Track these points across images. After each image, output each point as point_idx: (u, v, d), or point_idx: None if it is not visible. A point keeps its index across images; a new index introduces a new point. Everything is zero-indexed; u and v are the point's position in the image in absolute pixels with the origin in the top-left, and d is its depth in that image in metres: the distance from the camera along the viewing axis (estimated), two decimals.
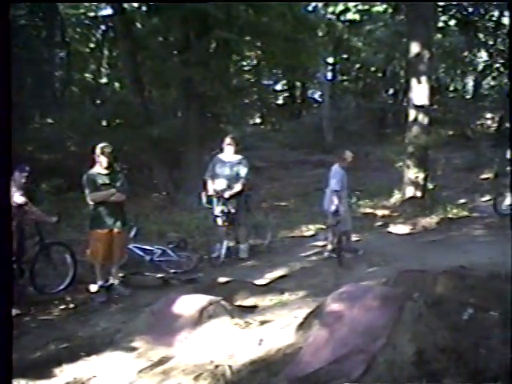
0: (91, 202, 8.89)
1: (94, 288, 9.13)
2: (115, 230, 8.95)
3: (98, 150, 8.87)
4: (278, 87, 38.58)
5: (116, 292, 9.10)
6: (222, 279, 8.97)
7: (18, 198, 8.45)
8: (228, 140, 11.22)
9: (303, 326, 5.65)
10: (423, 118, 15.28)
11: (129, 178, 9.86)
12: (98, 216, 8.90)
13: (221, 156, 11.30)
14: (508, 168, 13.84)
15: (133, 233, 10.34)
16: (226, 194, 10.85)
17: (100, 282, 9.03)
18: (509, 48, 17.07)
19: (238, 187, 10.93)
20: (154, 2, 17.53)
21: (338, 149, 13.85)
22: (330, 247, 11.10)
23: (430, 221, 14.12)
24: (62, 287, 9.27)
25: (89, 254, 9.14)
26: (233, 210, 10.92)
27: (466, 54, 30.57)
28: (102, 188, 8.85)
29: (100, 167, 8.90)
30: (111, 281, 9.17)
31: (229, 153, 11.15)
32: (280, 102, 39.22)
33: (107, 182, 8.89)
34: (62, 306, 8.65)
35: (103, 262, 9.01)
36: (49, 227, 10.00)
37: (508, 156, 13.93)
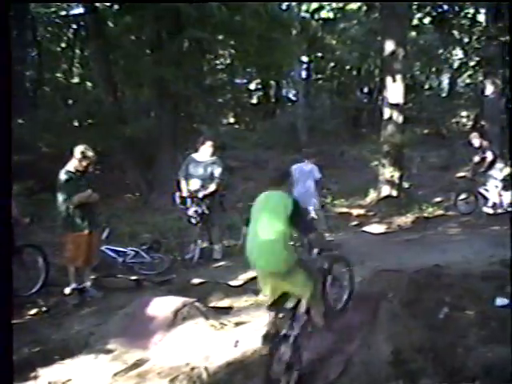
0: (71, 206, 8.72)
1: (67, 291, 9.01)
2: (93, 232, 8.83)
3: (78, 153, 8.73)
4: (252, 86, 38.49)
5: (89, 294, 8.97)
6: (196, 280, 8.89)
7: None
8: (208, 142, 11.11)
9: None
10: (398, 117, 15.27)
11: (102, 178, 9.72)
12: (74, 218, 8.74)
13: (195, 156, 11.18)
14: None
15: (105, 234, 10.17)
16: (200, 194, 10.74)
17: (73, 285, 8.89)
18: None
19: (212, 187, 10.83)
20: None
21: (313, 148, 13.82)
22: None
23: (406, 220, 14.14)
24: (34, 290, 9.10)
25: (67, 258, 8.98)
26: (207, 211, 10.82)
27: (441, 51, 30.68)
28: (80, 189, 8.72)
29: (77, 168, 8.75)
30: (84, 283, 9.04)
31: (204, 153, 11.05)
32: (254, 101, 39.12)
33: (83, 183, 8.76)
34: (35, 310, 8.51)
35: (82, 265, 8.87)
36: (20, 229, 9.83)
37: (475, 160, 13.98)
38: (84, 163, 8.71)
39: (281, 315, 5.19)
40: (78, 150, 8.73)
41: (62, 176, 8.66)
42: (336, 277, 5.78)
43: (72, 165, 8.75)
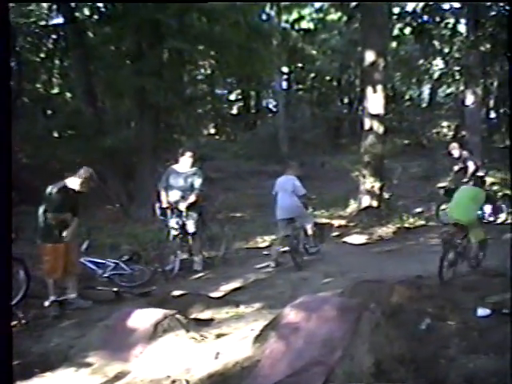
0: (48, 217, 8.64)
1: (47, 303, 8.93)
2: (70, 244, 8.75)
3: (85, 174, 8.72)
4: (232, 97, 38.56)
5: (75, 305, 8.87)
6: (176, 292, 8.84)
7: None
8: (188, 153, 11.09)
9: (260, 338, 5.58)
10: (378, 127, 15.30)
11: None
12: (52, 230, 8.66)
13: (175, 167, 11.16)
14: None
15: (84, 246, 10.11)
16: (181, 206, 10.72)
17: (52, 297, 8.79)
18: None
19: (192, 198, 10.80)
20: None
21: (294, 158, 13.83)
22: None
23: (387, 230, 14.15)
24: (13, 302, 8.99)
25: (45, 270, 8.88)
26: (187, 222, 10.79)
27: (421, 62, 30.88)
28: (64, 207, 8.65)
29: (74, 187, 8.71)
30: (71, 294, 8.93)
31: (185, 165, 11.02)
32: (234, 111, 39.19)
33: (68, 202, 8.70)
34: (14, 322, 8.41)
35: (61, 276, 8.78)
36: None
37: (455, 169, 14.07)
38: (85, 185, 8.68)
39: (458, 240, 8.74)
40: (87, 171, 8.74)
41: (54, 190, 8.60)
42: None
43: (71, 182, 8.70)
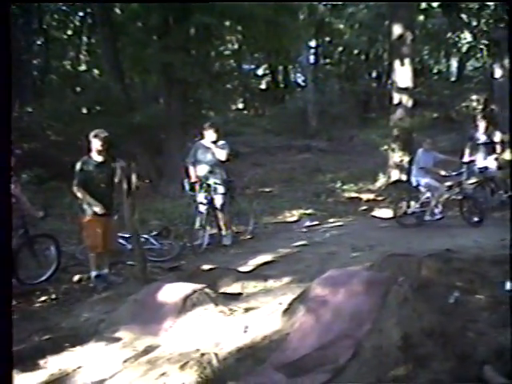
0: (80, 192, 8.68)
1: (76, 278, 9.06)
2: (108, 217, 8.81)
3: (90, 137, 8.67)
4: (260, 72, 38.42)
5: (109, 281, 8.94)
6: (205, 267, 8.86)
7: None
8: (211, 128, 11.10)
9: (288, 312, 5.60)
10: (407, 101, 15.23)
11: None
12: (88, 203, 8.69)
13: (203, 142, 11.18)
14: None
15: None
16: (211, 181, 10.76)
17: (94, 272, 8.84)
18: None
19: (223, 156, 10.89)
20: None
21: (322, 133, 13.76)
22: None
23: (415, 204, 14.05)
24: (43, 278, 9.13)
25: (88, 245, 8.97)
26: (215, 197, 10.83)
27: (449, 35, 30.48)
28: (93, 179, 8.68)
29: (91, 155, 8.74)
30: (103, 270, 9.00)
31: (210, 138, 11.03)
32: (263, 86, 39.07)
33: (97, 173, 8.71)
34: (44, 297, 8.52)
35: (102, 250, 8.82)
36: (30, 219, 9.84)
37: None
38: (97, 147, 8.67)
39: None
40: (91, 134, 8.71)
41: (77, 163, 8.66)
42: None
43: (93, 154, 8.74)
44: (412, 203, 12.08)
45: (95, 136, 8.63)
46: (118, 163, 8.78)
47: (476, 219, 11.08)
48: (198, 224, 10.80)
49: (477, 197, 11.61)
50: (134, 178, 8.74)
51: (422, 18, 26.62)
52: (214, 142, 11.00)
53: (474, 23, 25.20)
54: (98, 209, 8.56)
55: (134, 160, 18.01)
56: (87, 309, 7.72)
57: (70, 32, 24.98)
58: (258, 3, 17.44)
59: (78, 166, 8.63)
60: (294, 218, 13.56)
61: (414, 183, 12.02)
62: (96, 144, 8.63)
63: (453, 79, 34.97)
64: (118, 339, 6.14)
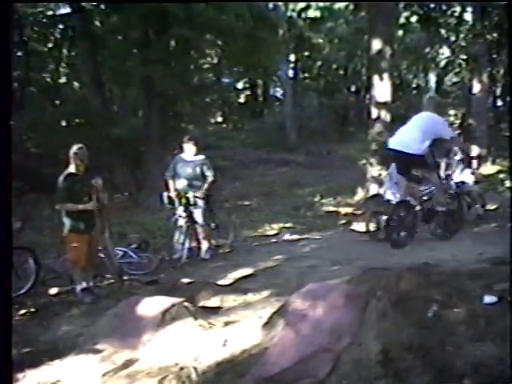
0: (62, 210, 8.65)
1: (53, 291, 9.01)
2: (91, 234, 8.76)
3: (71, 153, 8.62)
4: (240, 86, 38.52)
5: (95, 294, 8.89)
6: (184, 280, 8.87)
7: None
8: (191, 141, 11.11)
9: (268, 326, 5.60)
10: (386, 115, 15.30)
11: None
12: (77, 221, 8.67)
13: (182, 155, 11.18)
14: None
15: None
16: (190, 195, 10.76)
17: (80, 286, 8.76)
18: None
19: (205, 187, 10.86)
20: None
21: (301, 147, 13.81)
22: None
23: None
24: (22, 291, 9.07)
25: (70, 260, 8.92)
26: (194, 211, 10.83)
27: (427, 50, 30.78)
28: (74, 195, 8.63)
29: (72, 170, 8.69)
30: (87, 284, 8.93)
31: (190, 152, 11.04)
32: (241, 100, 39.16)
33: (78, 187, 8.63)
34: (23, 311, 8.47)
35: (86, 265, 8.76)
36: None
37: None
38: (76, 162, 8.63)
39: None
40: (71, 151, 8.67)
41: (59, 179, 8.61)
42: None
43: (69, 168, 8.69)
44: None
45: (75, 153, 8.61)
46: (94, 180, 8.75)
47: (449, 234, 11.14)
48: (177, 237, 10.80)
49: (451, 211, 11.60)
50: (102, 195, 8.76)
51: (400, 32, 26.84)
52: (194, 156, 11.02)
53: (453, 38, 25.45)
54: (81, 224, 8.55)
55: (113, 173, 18.10)
56: (66, 322, 7.69)
57: (50, 45, 24.89)
58: (237, 18, 17.55)
59: (61, 181, 8.59)
60: (274, 232, 13.56)
61: (390, 197, 12.01)
62: (76, 160, 8.61)
63: (431, 94, 35.25)
64: (97, 352, 6.13)
